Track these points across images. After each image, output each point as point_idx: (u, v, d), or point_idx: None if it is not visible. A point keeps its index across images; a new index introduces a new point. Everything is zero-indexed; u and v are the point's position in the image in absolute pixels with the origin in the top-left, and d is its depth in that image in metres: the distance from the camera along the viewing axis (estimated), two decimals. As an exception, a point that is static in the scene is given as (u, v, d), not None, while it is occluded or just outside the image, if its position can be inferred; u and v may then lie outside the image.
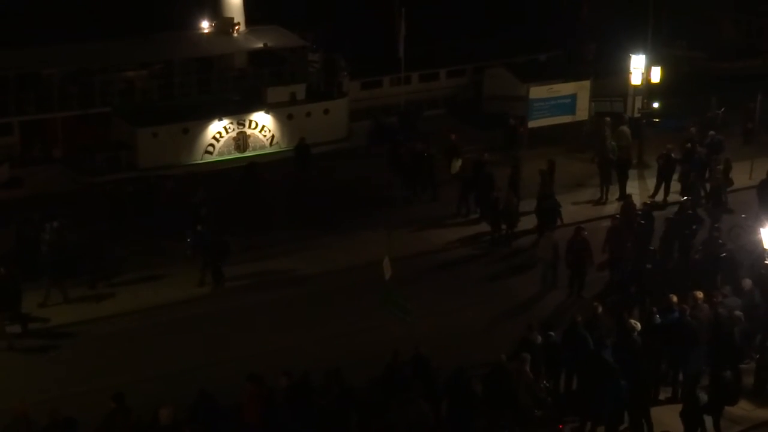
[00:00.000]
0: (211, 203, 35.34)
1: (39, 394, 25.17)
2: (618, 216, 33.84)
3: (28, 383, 26.46)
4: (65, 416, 21.39)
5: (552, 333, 25.35)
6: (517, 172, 38.35)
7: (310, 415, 22.15)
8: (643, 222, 33.36)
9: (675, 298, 26.41)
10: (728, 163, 38.99)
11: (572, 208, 38.10)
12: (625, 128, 42.86)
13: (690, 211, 33.87)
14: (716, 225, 32.97)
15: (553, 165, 38.46)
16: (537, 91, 47.14)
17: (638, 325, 24.88)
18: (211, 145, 43.44)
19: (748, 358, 26.64)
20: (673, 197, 38.46)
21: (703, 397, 23.44)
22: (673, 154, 39.36)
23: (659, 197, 39.04)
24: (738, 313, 25.88)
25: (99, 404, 22.46)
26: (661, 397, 25.55)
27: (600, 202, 39.40)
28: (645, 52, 44.05)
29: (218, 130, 43.51)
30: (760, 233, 26.69)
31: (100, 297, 31.76)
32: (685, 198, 36.31)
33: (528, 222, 36.12)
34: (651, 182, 40.03)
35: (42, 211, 33.80)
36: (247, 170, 40.36)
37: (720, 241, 30.99)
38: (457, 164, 39.57)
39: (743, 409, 25.28)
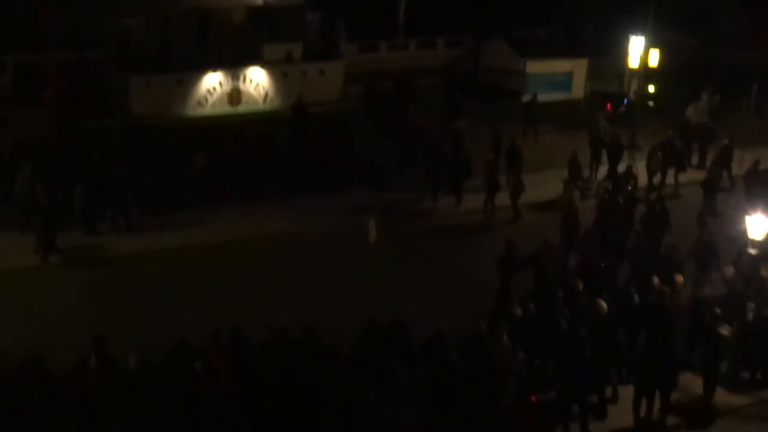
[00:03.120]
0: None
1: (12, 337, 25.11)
2: (605, 195, 33.88)
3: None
4: (37, 355, 21.40)
5: (531, 306, 25.37)
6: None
7: (287, 369, 22.15)
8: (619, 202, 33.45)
9: (657, 280, 26.48)
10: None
11: (561, 185, 38.33)
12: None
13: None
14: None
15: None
16: (534, 66, 47.10)
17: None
18: (204, 98, 43.33)
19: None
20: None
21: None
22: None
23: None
24: (717, 311, 25.86)
25: (76, 349, 22.50)
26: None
27: (589, 180, 39.34)
28: (644, 34, 43.96)
29: (212, 83, 43.38)
30: (745, 222, 26.70)
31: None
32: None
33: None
34: (641, 165, 39.88)
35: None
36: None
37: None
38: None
39: (718, 395, 25.41)
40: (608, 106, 44.70)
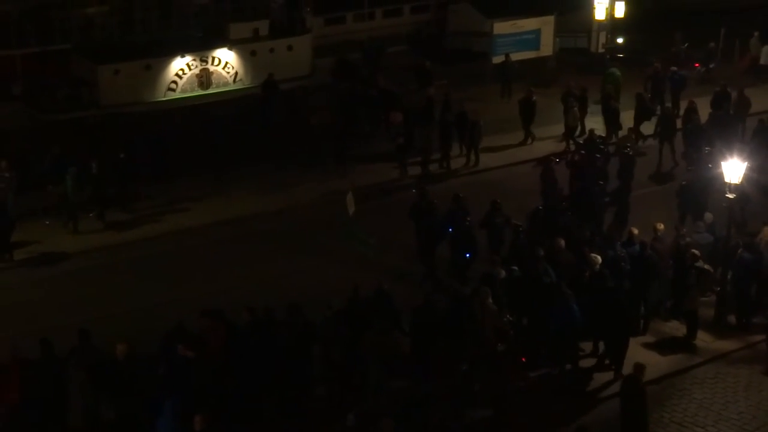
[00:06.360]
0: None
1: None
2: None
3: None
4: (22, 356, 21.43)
5: (515, 267, 25.42)
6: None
7: (273, 349, 22.15)
8: (599, 156, 33.52)
9: (635, 231, 26.62)
10: (692, 104, 38.57)
11: (537, 144, 38.66)
12: None
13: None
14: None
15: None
16: (501, 27, 47.04)
17: (599, 259, 24.98)
18: (174, 82, 43.05)
19: (709, 291, 26.88)
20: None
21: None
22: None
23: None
24: (695, 252, 25.97)
25: (64, 340, 22.45)
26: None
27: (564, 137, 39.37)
28: (609, -16, 44.00)
29: (181, 67, 43.11)
30: (721, 166, 26.72)
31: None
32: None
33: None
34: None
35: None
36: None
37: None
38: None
39: (703, 341, 25.61)
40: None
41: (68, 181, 31.83)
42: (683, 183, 31.51)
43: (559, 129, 39.40)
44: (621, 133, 38.26)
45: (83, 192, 32.17)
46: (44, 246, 31.26)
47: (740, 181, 26.25)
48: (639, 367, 21.29)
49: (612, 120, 38.57)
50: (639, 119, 38.61)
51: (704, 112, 38.13)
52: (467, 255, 27.81)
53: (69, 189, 31.85)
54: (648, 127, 38.82)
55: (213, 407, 21.09)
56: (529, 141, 39.32)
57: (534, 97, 39.34)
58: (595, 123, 38.59)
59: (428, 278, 28.22)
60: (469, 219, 28.27)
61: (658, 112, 39.04)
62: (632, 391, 21.17)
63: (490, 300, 23.61)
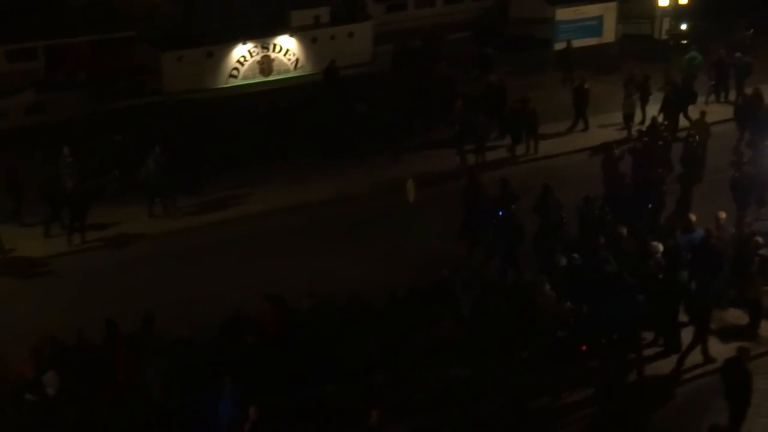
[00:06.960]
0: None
1: (61, 317, 25.55)
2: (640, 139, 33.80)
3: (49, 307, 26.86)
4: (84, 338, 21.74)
5: (576, 255, 25.32)
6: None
7: (331, 335, 22.27)
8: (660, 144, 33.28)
9: (694, 218, 26.44)
10: (757, 90, 38.17)
11: (596, 131, 38.40)
12: None
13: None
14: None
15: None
16: (563, 13, 46.79)
17: (660, 247, 24.82)
18: (236, 69, 43.34)
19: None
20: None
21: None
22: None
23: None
24: (759, 239, 25.72)
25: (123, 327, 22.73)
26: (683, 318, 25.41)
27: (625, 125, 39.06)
28: (673, -29, 43.56)
29: (242, 54, 43.38)
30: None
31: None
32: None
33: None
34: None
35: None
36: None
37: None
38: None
39: (766, 330, 25.31)
40: None
41: (150, 165, 32.16)
42: (735, 175, 31.10)
43: (620, 117, 39.03)
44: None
45: (162, 176, 32.29)
46: (109, 231, 31.62)
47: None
48: (743, 350, 21.24)
49: (664, 107, 38.15)
50: (684, 104, 38.23)
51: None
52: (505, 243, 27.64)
53: (151, 173, 32.16)
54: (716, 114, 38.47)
55: (270, 394, 21.31)
56: (580, 127, 39.04)
57: (586, 85, 39.05)
58: (655, 111, 38.20)
59: (466, 262, 28.09)
60: (514, 206, 28.13)
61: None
62: (736, 374, 21.11)
63: (548, 287, 23.59)
